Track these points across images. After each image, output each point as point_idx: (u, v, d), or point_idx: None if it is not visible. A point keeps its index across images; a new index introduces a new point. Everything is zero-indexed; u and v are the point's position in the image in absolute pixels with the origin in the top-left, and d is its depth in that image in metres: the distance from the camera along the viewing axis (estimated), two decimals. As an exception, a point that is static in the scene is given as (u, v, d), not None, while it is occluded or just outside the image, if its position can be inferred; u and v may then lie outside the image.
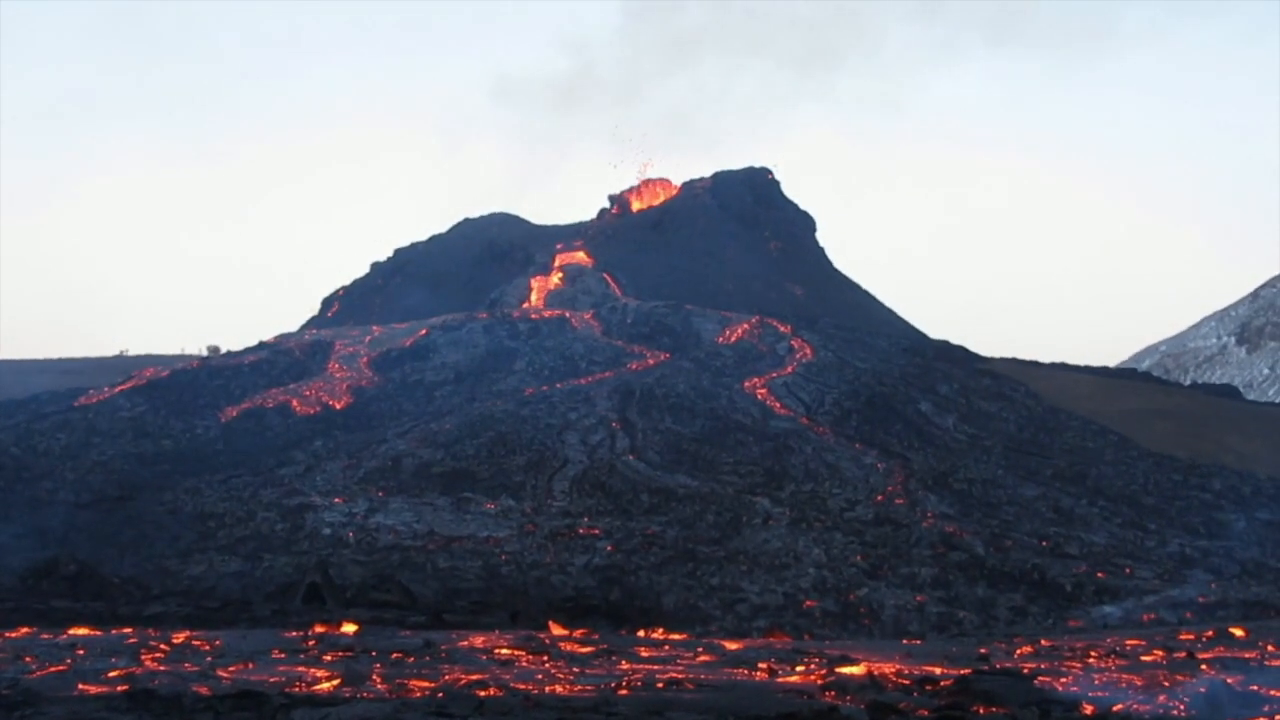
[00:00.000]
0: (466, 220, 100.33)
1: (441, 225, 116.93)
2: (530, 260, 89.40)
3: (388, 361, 63.49)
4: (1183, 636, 23.47)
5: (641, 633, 24.32)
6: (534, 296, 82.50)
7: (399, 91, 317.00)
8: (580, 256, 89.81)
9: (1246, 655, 19.35)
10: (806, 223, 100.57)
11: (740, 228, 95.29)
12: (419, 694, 13.64)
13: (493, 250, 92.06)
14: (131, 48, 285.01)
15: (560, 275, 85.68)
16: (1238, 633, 23.84)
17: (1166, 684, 15.16)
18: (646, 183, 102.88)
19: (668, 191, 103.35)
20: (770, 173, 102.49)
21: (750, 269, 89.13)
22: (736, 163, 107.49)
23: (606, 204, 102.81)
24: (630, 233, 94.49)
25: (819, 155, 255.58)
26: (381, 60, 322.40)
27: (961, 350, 72.46)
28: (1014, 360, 71.39)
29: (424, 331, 67.76)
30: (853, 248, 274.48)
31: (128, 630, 21.72)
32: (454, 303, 79.92)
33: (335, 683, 14.51)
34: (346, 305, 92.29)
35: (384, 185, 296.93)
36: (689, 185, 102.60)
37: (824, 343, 66.94)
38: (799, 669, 17.19)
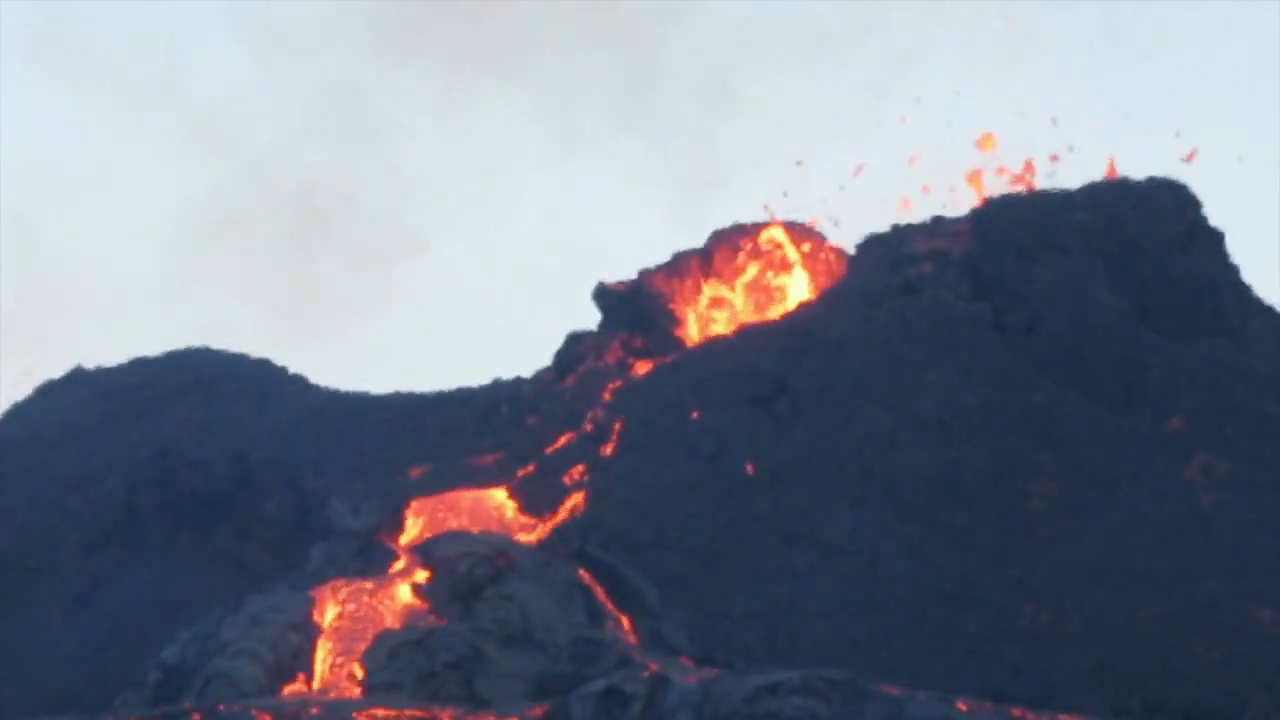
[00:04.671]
0: (96, 369, 76.32)
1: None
2: (337, 534, 61.61)
3: None
4: None
5: None
6: (317, 670, 54.08)
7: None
8: (498, 505, 63.50)
9: None
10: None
11: (1081, 398, 63.64)
12: None
13: (183, 492, 66.53)
14: None
15: (422, 575, 57.40)
16: None
17: None
18: (746, 240, 72.83)
19: (823, 271, 72.34)
20: (1195, 204, 66.92)
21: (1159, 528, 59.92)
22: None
23: (591, 322, 72.85)
24: (671, 424, 65.46)
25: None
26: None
27: None
28: None
29: None
30: None
31: None
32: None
33: None
34: None
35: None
36: (884, 242, 69.87)
37: None
38: None
